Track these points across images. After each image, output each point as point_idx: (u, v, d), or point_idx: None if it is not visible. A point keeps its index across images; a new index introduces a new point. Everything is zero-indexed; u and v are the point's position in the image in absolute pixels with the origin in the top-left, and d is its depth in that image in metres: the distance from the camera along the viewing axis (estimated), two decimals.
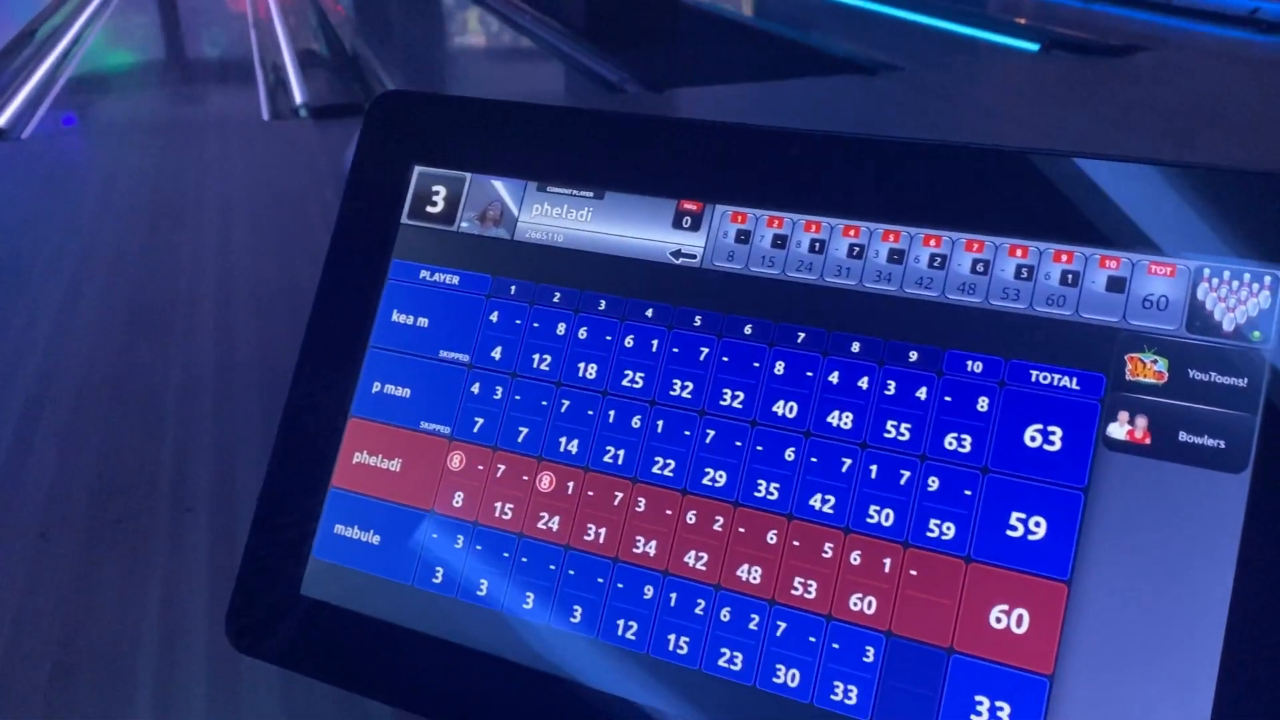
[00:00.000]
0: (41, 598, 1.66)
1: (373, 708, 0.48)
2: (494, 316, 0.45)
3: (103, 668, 1.55)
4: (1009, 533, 0.37)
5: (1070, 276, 0.38)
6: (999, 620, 0.36)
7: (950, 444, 0.38)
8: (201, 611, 1.74)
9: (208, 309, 2.67)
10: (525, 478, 0.43)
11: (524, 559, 0.43)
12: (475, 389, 0.45)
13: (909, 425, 0.39)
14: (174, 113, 4.52)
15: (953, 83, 4.52)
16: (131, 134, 3.70)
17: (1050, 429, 0.37)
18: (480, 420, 0.45)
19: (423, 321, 0.46)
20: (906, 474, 0.38)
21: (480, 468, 0.44)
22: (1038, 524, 0.37)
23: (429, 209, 0.48)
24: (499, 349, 0.45)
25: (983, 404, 0.38)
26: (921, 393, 0.39)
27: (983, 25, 5.45)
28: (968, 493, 0.38)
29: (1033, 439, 0.38)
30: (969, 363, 0.39)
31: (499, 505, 0.43)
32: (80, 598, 1.68)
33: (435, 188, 0.48)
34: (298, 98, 4.39)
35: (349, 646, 0.44)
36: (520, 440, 0.44)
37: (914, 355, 0.39)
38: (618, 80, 4.59)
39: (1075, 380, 0.38)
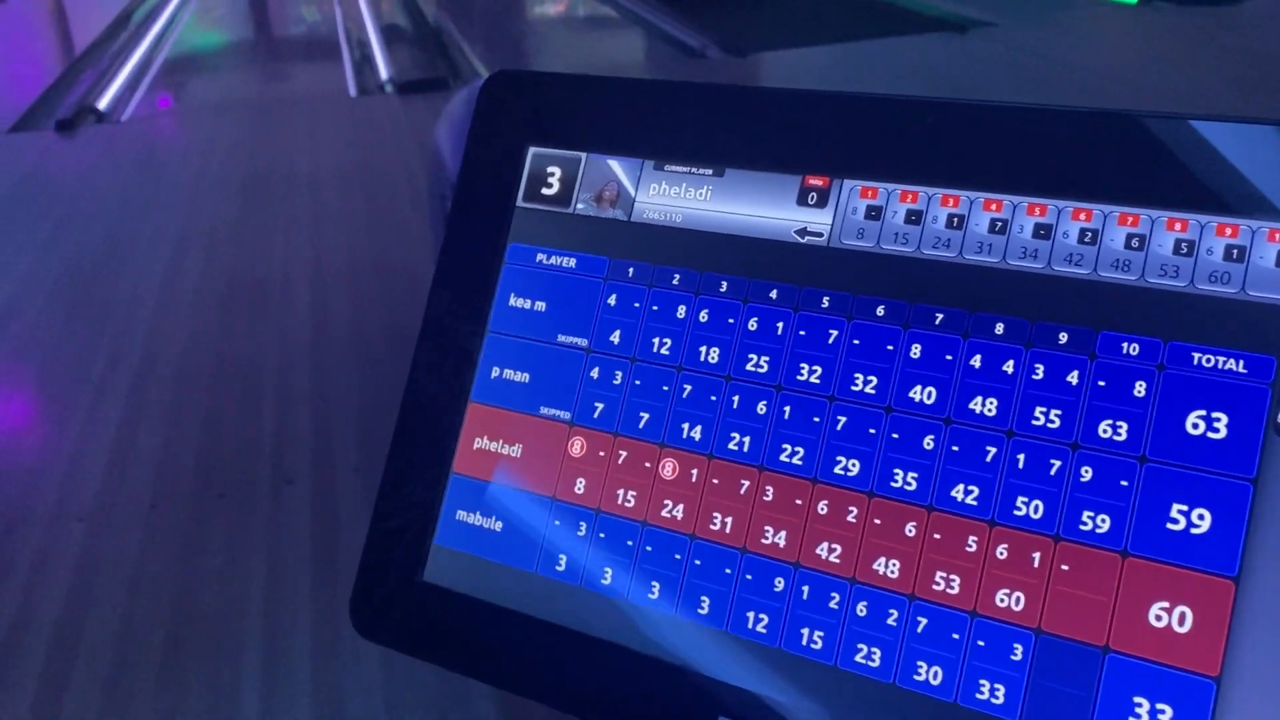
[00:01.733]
0: (153, 567, 1.72)
1: (472, 682, 0.47)
2: (612, 300, 0.44)
3: (211, 635, 1.60)
4: (1170, 526, 0.35)
5: (1235, 251, 0.36)
6: (1159, 619, 0.34)
7: (1105, 431, 0.36)
8: (305, 580, 1.80)
9: (302, 284, 2.73)
10: (648, 465, 0.42)
11: (648, 548, 0.42)
12: (595, 374, 0.44)
13: (1059, 412, 0.37)
14: (264, 91, 4.62)
15: (1049, 39, 4.37)
16: (224, 113, 3.79)
17: (1215, 415, 0.35)
18: (600, 405, 0.44)
19: (540, 305, 0.46)
20: (1057, 463, 0.36)
21: (601, 454, 0.43)
22: (1201, 517, 0.35)
23: (544, 191, 0.47)
24: (618, 333, 0.44)
25: (1140, 389, 0.36)
26: (1073, 377, 0.37)
27: None
28: (1124, 483, 0.36)
29: (1195, 426, 0.35)
30: (1125, 345, 0.36)
31: (621, 492, 0.42)
32: (189, 567, 1.74)
33: (550, 169, 0.47)
34: (383, 73, 4.44)
35: (472, 634, 0.44)
36: (641, 426, 0.43)
37: (1064, 337, 0.37)
38: (699, 46, 4.54)
39: (1242, 363, 0.35)
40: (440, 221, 1.83)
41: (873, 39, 4.55)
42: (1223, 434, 0.35)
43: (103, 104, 4.09)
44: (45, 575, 1.74)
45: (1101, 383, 0.36)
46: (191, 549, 1.78)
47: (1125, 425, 0.36)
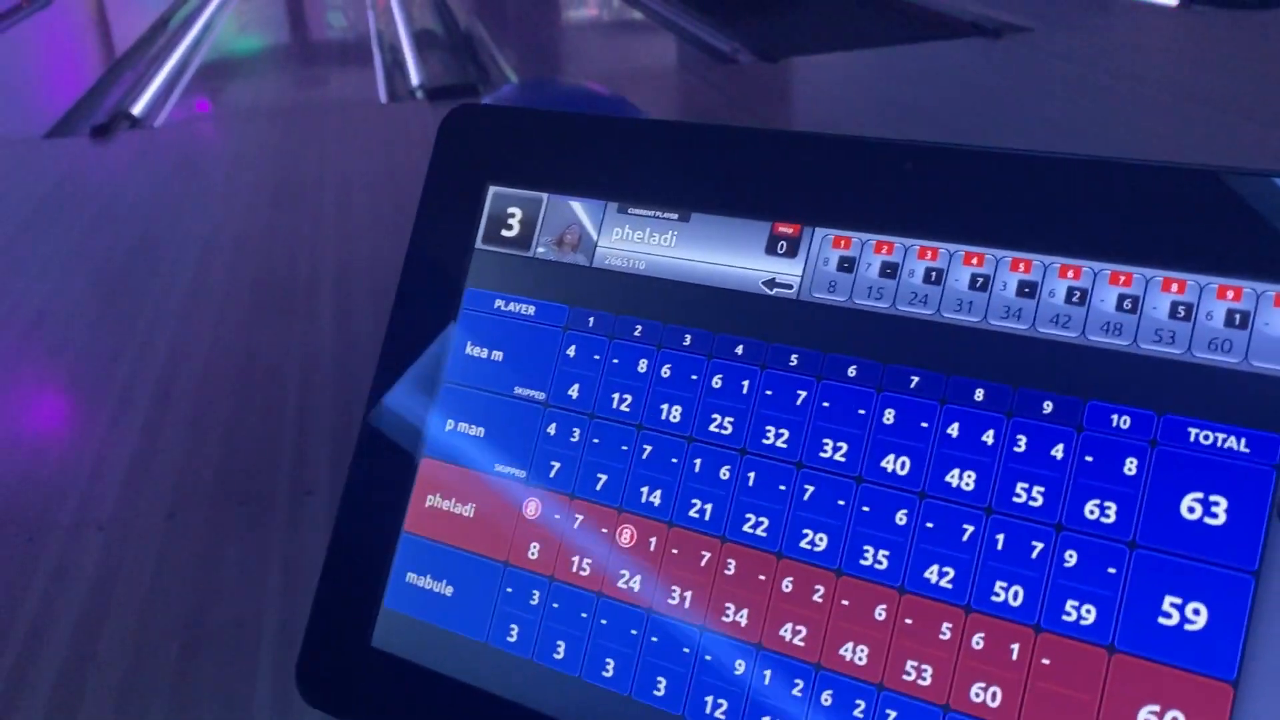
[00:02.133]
0: (170, 578, 1.72)
1: None
2: (571, 351, 0.42)
3: (227, 648, 1.59)
4: (1162, 620, 0.32)
5: (1238, 316, 0.32)
6: None
7: (1091, 512, 0.33)
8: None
9: (327, 291, 2.73)
10: (604, 530, 0.40)
11: (603, 621, 0.39)
12: (551, 430, 0.41)
13: (1042, 489, 0.33)
14: (297, 96, 4.64)
15: (1085, 44, 4.29)
16: (257, 118, 3.81)
17: (1213, 499, 0.32)
18: (557, 465, 0.41)
19: (497, 355, 0.43)
20: (1039, 546, 0.33)
21: (557, 517, 0.40)
22: (1197, 611, 0.31)
23: (504, 233, 0.44)
24: (576, 386, 0.41)
25: (1131, 466, 0.33)
26: (1058, 451, 0.33)
27: None
28: (1112, 571, 0.32)
29: (1191, 510, 0.32)
30: (1115, 417, 0.33)
31: (576, 560, 0.40)
32: (206, 578, 1.73)
33: (511, 209, 0.44)
34: (414, 79, 4.44)
35: (420, 705, 0.42)
36: (599, 488, 0.40)
37: (1049, 406, 0.34)
38: (730, 50, 4.50)
39: (1244, 441, 0.32)
40: None
41: (905, 44, 4.49)
42: (1221, 520, 0.31)
43: (138, 109, 4.12)
44: (63, 584, 1.75)
45: (1089, 458, 0.33)
46: (209, 560, 1.78)
47: (1114, 506, 0.33)
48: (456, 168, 0.46)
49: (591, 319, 0.42)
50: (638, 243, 0.41)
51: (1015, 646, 0.33)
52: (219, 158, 3.57)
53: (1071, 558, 0.33)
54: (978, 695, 0.33)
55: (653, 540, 0.39)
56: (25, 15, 6.58)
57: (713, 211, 0.40)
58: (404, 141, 3.72)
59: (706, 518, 0.38)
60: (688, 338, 0.40)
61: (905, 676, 0.34)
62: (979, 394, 0.35)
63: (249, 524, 1.88)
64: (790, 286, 0.38)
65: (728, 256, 0.40)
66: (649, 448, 0.39)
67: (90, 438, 2.07)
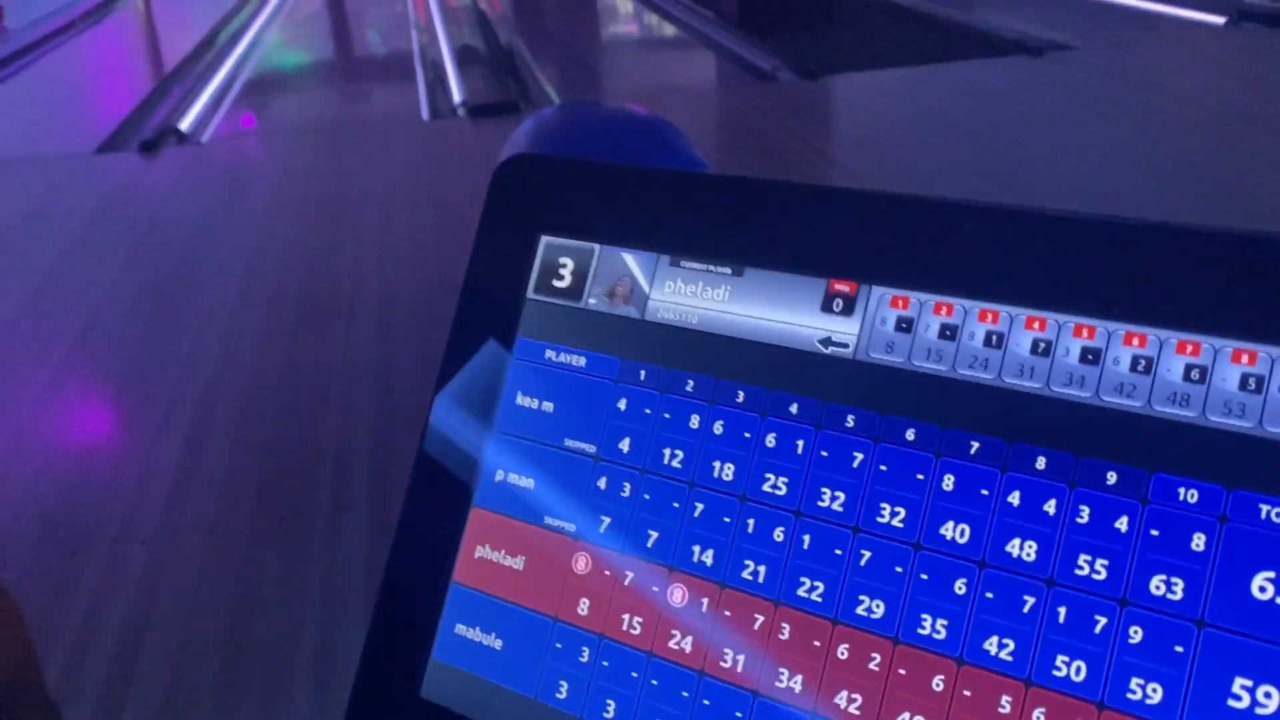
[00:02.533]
0: (210, 592, 1.73)
1: None
2: (622, 404, 0.41)
3: (265, 660, 1.60)
4: (1231, 703, 0.31)
5: None
6: None
7: (1158, 588, 0.32)
8: (358, 609, 1.78)
9: (369, 306, 2.75)
10: (655, 589, 0.39)
11: (654, 681, 0.39)
12: (602, 484, 0.41)
13: (1106, 562, 0.33)
14: (340, 112, 4.70)
15: (1130, 62, 4.23)
16: (302, 134, 3.86)
17: None
18: (607, 520, 0.41)
19: (548, 406, 0.43)
20: (1103, 620, 0.32)
21: (607, 573, 0.40)
22: (1269, 695, 0.30)
23: (555, 283, 0.44)
24: (627, 440, 0.41)
25: (1199, 542, 0.32)
26: (1122, 523, 0.33)
27: None
28: (1179, 649, 0.31)
29: (1262, 589, 0.31)
30: (1181, 490, 0.32)
31: (627, 618, 0.39)
32: (245, 592, 1.74)
33: (562, 260, 0.44)
34: (456, 96, 4.48)
35: None
36: (650, 545, 0.40)
37: (1113, 477, 0.33)
38: (770, 68, 4.50)
39: None
40: None
41: (947, 61, 4.46)
42: None
43: (185, 125, 4.20)
44: (107, 596, 1.77)
45: (1155, 532, 0.32)
46: (249, 574, 1.80)
47: (1181, 583, 0.32)
48: (509, 217, 0.46)
49: (643, 372, 0.41)
50: (690, 296, 0.41)
51: None
52: (264, 172, 3.63)
53: (1136, 634, 0.32)
54: None
55: (704, 601, 0.38)
56: (78, 32, 6.73)
57: (767, 267, 0.40)
58: (445, 157, 3.75)
59: (760, 580, 0.37)
60: (741, 394, 0.39)
61: None
62: (1041, 462, 0.34)
63: (289, 540, 1.90)
64: (846, 345, 0.38)
65: (782, 313, 0.39)
66: (701, 505, 0.39)
67: (135, 452, 2.10)
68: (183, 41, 6.26)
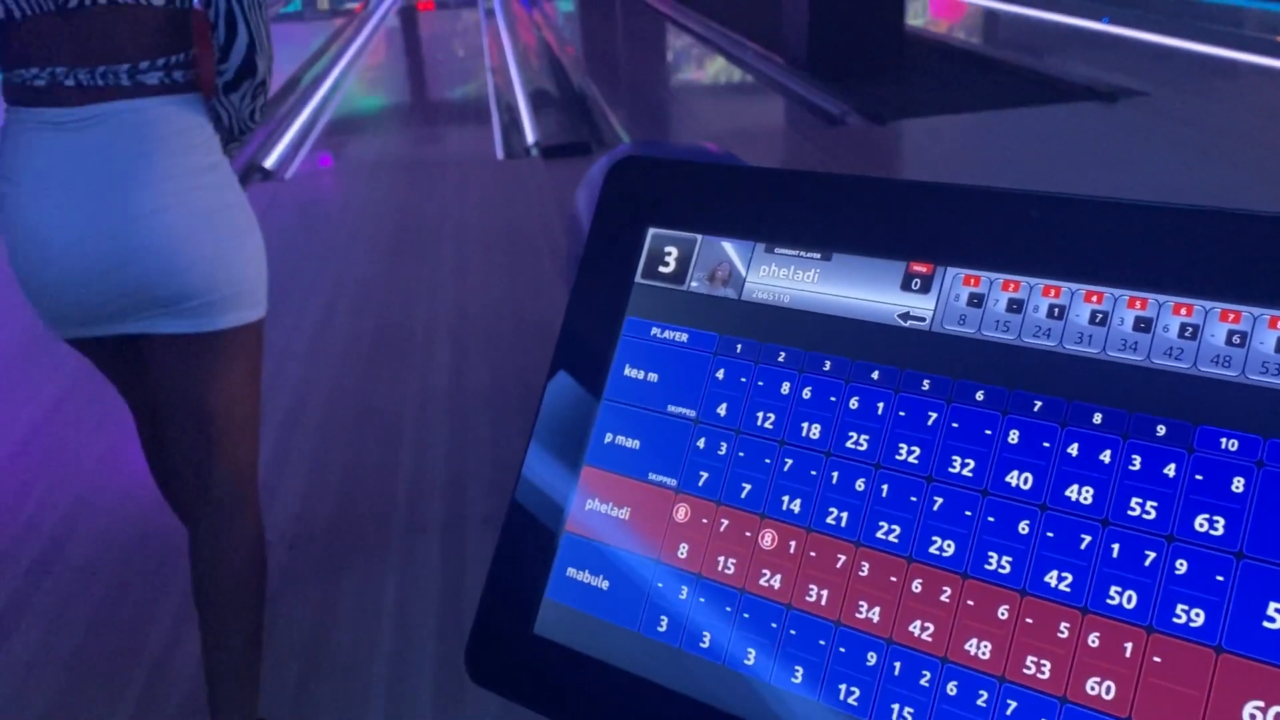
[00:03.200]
0: (289, 604, 1.80)
1: None
2: (720, 374, 0.47)
3: (340, 676, 1.66)
4: (1267, 625, 0.35)
5: None
6: (1253, 717, 0.34)
7: (1201, 526, 0.36)
8: (430, 627, 1.84)
9: (443, 337, 2.84)
10: (748, 534, 0.44)
11: (746, 615, 0.43)
12: (701, 444, 0.46)
13: (1155, 504, 0.37)
14: (417, 152, 4.87)
15: (1206, 109, 4.21)
16: (379, 172, 4.01)
17: None
18: (705, 475, 0.46)
19: (653, 377, 0.48)
20: (1152, 555, 0.37)
21: (704, 521, 0.45)
22: None
23: (661, 269, 0.49)
24: (724, 405, 0.46)
25: (1238, 485, 0.36)
26: (1170, 469, 0.37)
27: (1239, 46, 5.05)
28: (1220, 579, 0.36)
29: None
30: (1223, 440, 0.36)
31: (722, 559, 0.44)
32: (322, 609, 1.81)
33: (667, 249, 0.50)
34: (529, 137, 4.62)
35: (576, 687, 0.46)
36: (743, 496, 0.45)
37: (1162, 430, 0.37)
38: (839, 113, 4.57)
39: None
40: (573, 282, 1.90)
41: (1018, 107, 4.49)
42: None
43: (269, 162, 4.38)
44: (189, 610, 1.86)
45: (1199, 476, 0.37)
46: (326, 592, 1.87)
47: (1222, 520, 0.36)
48: (620, 211, 0.51)
49: (739, 345, 0.47)
50: (783, 279, 0.46)
51: (1129, 646, 0.36)
52: (344, 209, 3.77)
53: (1182, 566, 0.36)
54: (1093, 689, 0.36)
55: (792, 543, 0.43)
56: None
57: (852, 252, 0.45)
58: (519, 196, 3.86)
59: (843, 524, 0.42)
60: (827, 364, 0.44)
61: (1025, 670, 0.38)
62: (1097, 418, 0.39)
63: (365, 558, 1.97)
64: (923, 319, 0.43)
65: (866, 292, 0.44)
66: (790, 461, 0.44)
67: None
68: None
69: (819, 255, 0.46)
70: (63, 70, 1.14)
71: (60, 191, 1.15)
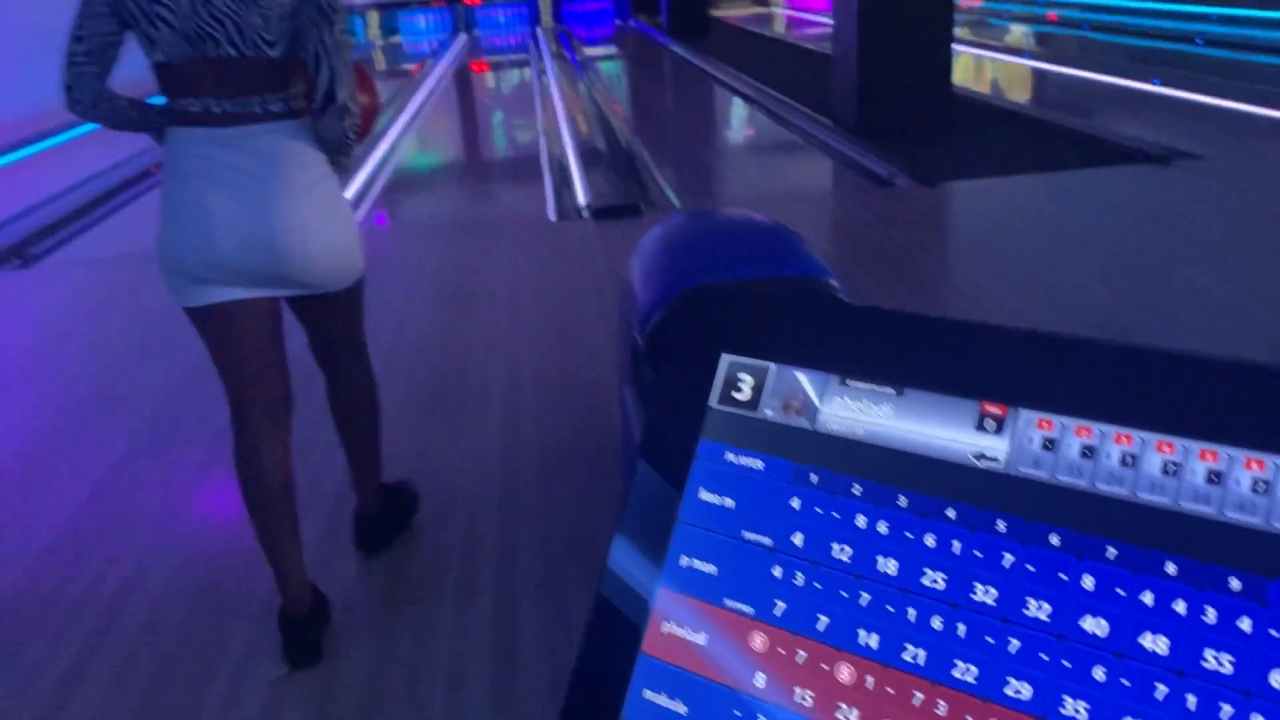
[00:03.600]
0: (344, 668, 1.82)
1: None
2: (795, 503, 0.48)
3: None
4: None
5: None
6: None
7: (1276, 682, 0.37)
8: (483, 694, 1.85)
9: (496, 397, 2.87)
10: (825, 667, 0.45)
11: None
12: (777, 572, 0.48)
13: (1231, 658, 0.38)
14: (471, 211, 4.96)
15: (1260, 172, 4.17)
16: (435, 231, 4.09)
17: None
18: (782, 604, 0.47)
19: (728, 502, 0.50)
20: (1229, 709, 0.37)
21: (781, 651, 0.46)
22: None
23: (735, 394, 0.51)
24: (800, 535, 0.48)
25: None
26: (1244, 624, 0.38)
27: None
28: None
29: None
30: None
31: (799, 691, 0.45)
32: (376, 673, 1.82)
33: (741, 375, 0.51)
34: (580, 198, 4.69)
35: None
36: (820, 629, 0.46)
37: (1235, 583, 0.38)
38: (887, 175, 4.59)
39: None
40: (626, 347, 1.92)
41: (1069, 170, 4.48)
42: None
43: None
44: (249, 666, 1.88)
45: (1274, 632, 0.37)
46: (380, 655, 1.89)
47: None
48: (695, 337, 0.54)
49: (814, 476, 0.48)
50: (857, 412, 0.48)
51: None
52: (400, 267, 3.83)
53: None
54: None
55: (869, 679, 0.44)
56: None
57: (925, 389, 0.47)
58: (570, 257, 3.91)
59: (920, 662, 0.43)
60: (903, 499, 0.46)
61: None
62: (1170, 567, 0.40)
63: (419, 623, 1.99)
64: (997, 460, 0.44)
65: (940, 429, 0.46)
66: (866, 595, 0.45)
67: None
68: None
69: (893, 390, 0.48)
70: (212, 100, 1.56)
71: (215, 190, 1.58)
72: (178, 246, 1.61)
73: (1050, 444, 0.42)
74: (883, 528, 0.45)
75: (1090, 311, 2.96)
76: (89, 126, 7.00)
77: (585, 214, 4.44)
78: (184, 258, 1.60)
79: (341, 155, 1.69)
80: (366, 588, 2.07)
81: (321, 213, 1.65)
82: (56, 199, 5.28)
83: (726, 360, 0.52)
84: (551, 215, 4.66)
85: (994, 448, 0.43)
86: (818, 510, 0.46)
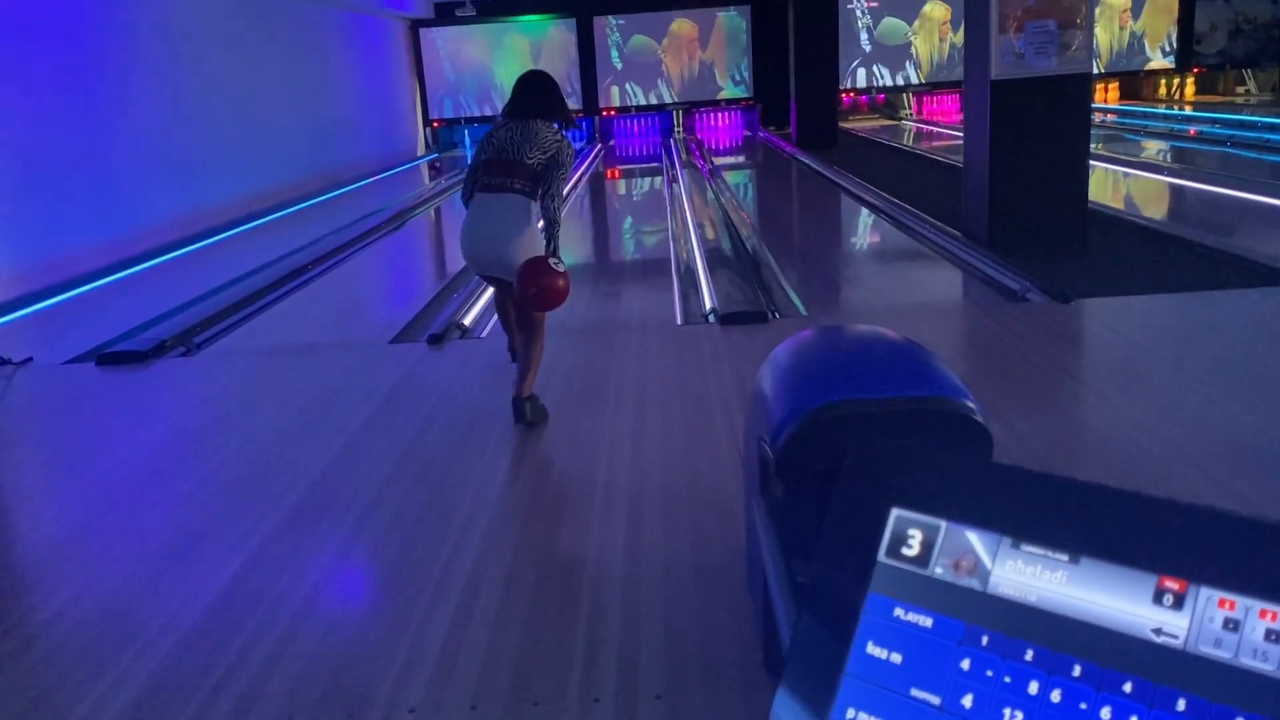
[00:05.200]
0: None
1: None
2: (965, 664, 0.49)
3: None
4: None
5: None
6: None
7: None
8: None
9: (620, 501, 2.91)
10: None
11: None
12: None
13: None
14: (602, 314, 5.08)
15: None
16: (566, 332, 4.20)
17: None
18: None
19: (896, 657, 0.51)
20: None
21: None
22: None
23: (904, 550, 0.53)
24: (970, 697, 0.48)
25: None
26: None
27: None
28: None
29: None
30: None
31: None
32: None
33: (911, 531, 0.53)
34: (707, 303, 4.76)
35: None
36: None
37: None
38: (1020, 289, 4.53)
39: None
40: (754, 459, 1.93)
41: (1207, 290, 4.34)
42: None
43: (468, 319, 4.67)
44: None
45: None
46: None
47: None
48: (864, 489, 0.55)
49: (985, 638, 0.49)
50: (1030, 576, 0.49)
51: None
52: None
53: None
54: None
55: None
56: (380, 236, 7.71)
57: (1101, 558, 0.47)
58: (697, 361, 3.96)
59: None
60: (1077, 668, 0.46)
61: None
62: None
63: None
64: (1177, 637, 0.44)
65: (1116, 600, 0.46)
66: None
67: (406, 625, 2.29)
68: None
69: (1066, 557, 0.49)
70: (494, 178, 3.25)
71: (485, 219, 3.24)
72: (465, 246, 3.33)
73: (1233, 625, 0.43)
74: (1056, 696, 0.45)
75: (1238, 443, 2.83)
76: (245, 225, 7.41)
77: (712, 319, 4.50)
78: (467, 251, 3.33)
79: (554, 226, 3.24)
80: (493, 683, 2.10)
81: (527, 242, 3.19)
82: (216, 293, 5.63)
83: (895, 514, 0.53)
84: (679, 319, 4.74)
85: (1173, 624, 0.44)
86: (989, 673, 0.47)
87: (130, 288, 6.22)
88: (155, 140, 7.53)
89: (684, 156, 11.95)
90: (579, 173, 10.92)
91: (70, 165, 6.51)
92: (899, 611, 0.50)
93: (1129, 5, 14.72)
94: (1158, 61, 14.83)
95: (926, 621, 0.49)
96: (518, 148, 3.23)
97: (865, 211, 7.63)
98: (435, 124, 14.91)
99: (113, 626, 2.26)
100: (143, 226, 7.22)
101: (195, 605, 2.32)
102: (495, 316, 4.88)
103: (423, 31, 14.58)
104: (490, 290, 5.08)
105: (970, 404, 1.67)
